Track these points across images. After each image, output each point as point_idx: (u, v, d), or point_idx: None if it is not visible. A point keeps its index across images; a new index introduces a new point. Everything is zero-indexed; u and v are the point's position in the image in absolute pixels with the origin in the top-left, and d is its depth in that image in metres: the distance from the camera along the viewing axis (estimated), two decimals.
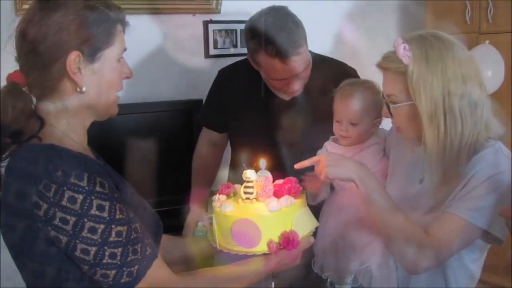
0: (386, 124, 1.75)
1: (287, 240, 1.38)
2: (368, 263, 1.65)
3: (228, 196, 1.50)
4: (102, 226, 1.17)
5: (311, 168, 1.66)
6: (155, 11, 2.84)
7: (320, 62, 2.18)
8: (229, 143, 2.39)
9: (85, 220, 1.16)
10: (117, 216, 1.19)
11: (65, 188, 1.15)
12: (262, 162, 1.49)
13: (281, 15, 2.05)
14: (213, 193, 1.55)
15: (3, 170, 1.25)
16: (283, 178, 1.51)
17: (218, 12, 3.02)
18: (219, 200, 1.47)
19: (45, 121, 1.27)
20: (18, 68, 1.29)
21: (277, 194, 1.45)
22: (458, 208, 1.48)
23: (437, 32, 1.56)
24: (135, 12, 2.73)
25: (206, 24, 3.00)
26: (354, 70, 2.21)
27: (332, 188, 1.85)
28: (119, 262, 1.19)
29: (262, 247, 1.39)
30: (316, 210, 1.67)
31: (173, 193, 2.56)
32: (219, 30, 3.03)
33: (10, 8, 2.44)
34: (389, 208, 1.53)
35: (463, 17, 3.36)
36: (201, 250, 1.60)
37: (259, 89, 2.16)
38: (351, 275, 1.74)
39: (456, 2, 3.40)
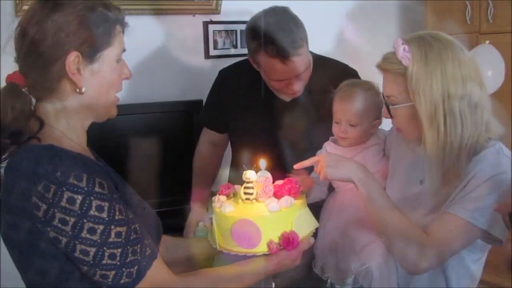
0: (387, 124, 1.75)
1: (287, 241, 1.38)
2: (368, 264, 1.64)
3: (228, 196, 1.50)
4: (101, 227, 1.17)
5: (311, 168, 1.66)
6: (155, 12, 2.84)
7: (321, 63, 2.18)
8: (229, 143, 2.39)
9: (85, 220, 1.16)
10: (116, 217, 1.19)
11: (64, 188, 1.15)
12: (262, 162, 1.49)
13: (282, 15, 2.05)
14: (213, 194, 1.55)
15: (2, 171, 1.25)
16: (283, 178, 1.51)
17: (218, 13, 3.02)
18: (219, 200, 1.47)
19: (45, 121, 1.27)
20: (17, 69, 1.29)
21: (277, 194, 1.45)
22: (458, 208, 1.47)
23: (437, 33, 1.55)
24: (135, 13, 2.73)
25: (206, 24, 3.00)
26: (355, 71, 2.20)
27: (332, 189, 1.85)
28: (118, 263, 1.19)
29: (262, 248, 1.39)
30: (316, 210, 1.67)
31: (173, 194, 2.57)
32: (219, 31, 3.03)
33: (10, 9, 2.44)
34: (389, 209, 1.53)
35: (463, 17, 3.36)
36: (202, 250, 1.60)
37: (260, 90, 2.15)
38: (351, 276, 1.74)
39: (456, 2, 3.40)
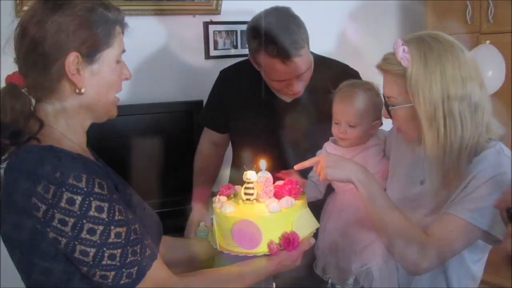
0: (388, 125, 1.75)
1: (288, 241, 1.38)
2: (369, 264, 1.64)
3: (228, 197, 1.50)
4: (101, 227, 1.17)
5: (311, 169, 1.66)
6: (155, 13, 2.83)
7: (322, 63, 2.17)
8: (230, 143, 2.39)
9: (84, 221, 1.16)
10: (116, 217, 1.19)
11: (63, 189, 1.15)
12: (263, 163, 1.49)
13: (283, 15, 2.05)
14: (214, 194, 1.55)
15: (2, 171, 1.25)
16: (284, 179, 1.51)
17: (218, 13, 3.02)
18: (219, 201, 1.47)
19: (44, 122, 1.27)
20: (17, 69, 1.29)
21: (278, 195, 1.45)
22: (458, 209, 1.47)
23: (437, 33, 1.55)
24: (135, 13, 2.73)
25: (206, 25, 3.00)
26: (357, 72, 2.19)
27: (332, 189, 1.85)
28: (118, 263, 1.19)
29: (262, 248, 1.39)
30: (317, 211, 1.66)
31: (174, 194, 2.57)
32: (220, 31, 3.03)
33: (10, 9, 2.44)
34: (389, 210, 1.53)
35: (464, 17, 3.35)
36: (202, 251, 1.60)
37: (260, 90, 2.15)
38: (352, 277, 1.73)
39: (457, 2, 3.39)
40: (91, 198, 1.17)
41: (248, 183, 1.44)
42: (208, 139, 2.38)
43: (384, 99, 1.60)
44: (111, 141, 2.47)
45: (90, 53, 1.25)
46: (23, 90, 1.27)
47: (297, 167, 1.62)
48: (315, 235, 1.50)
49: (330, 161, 1.55)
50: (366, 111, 1.76)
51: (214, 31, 3.01)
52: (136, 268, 1.21)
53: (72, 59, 1.23)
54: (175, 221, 2.34)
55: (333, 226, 1.77)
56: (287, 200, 1.42)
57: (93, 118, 1.34)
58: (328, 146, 1.87)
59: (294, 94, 2.11)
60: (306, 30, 2.05)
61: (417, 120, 1.49)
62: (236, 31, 3.06)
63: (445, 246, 1.48)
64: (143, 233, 1.26)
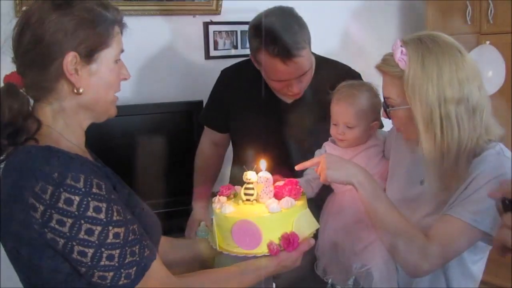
0: (388, 125, 1.74)
1: (287, 242, 1.38)
2: (369, 265, 1.64)
3: (228, 197, 1.50)
4: (99, 228, 1.17)
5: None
6: (155, 13, 2.83)
7: (323, 64, 2.17)
8: (231, 142, 2.39)
9: (82, 222, 1.16)
10: (114, 218, 1.19)
11: (61, 190, 1.14)
12: (262, 163, 1.49)
13: (286, 15, 2.04)
14: (214, 195, 1.54)
15: (0, 172, 1.25)
16: (284, 179, 1.51)
17: (219, 13, 3.02)
18: (219, 201, 1.47)
19: (42, 122, 1.26)
20: (15, 69, 1.28)
21: (278, 195, 1.44)
22: (459, 210, 1.46)
23: (436, 34, 1.54)
24: (135, 13, 2.73)
25: (206, 25, 3.00)
26: (358, 73, 2.17)
27: (332, 190, 1.84)
28: (116, 264, 1.19)
29: (262, 249, 1.39)
30: (317, 211, 1.66)
31: (174, 195, 2.57)
32: (220, 31, 3.03)
33: (9, 9, 2.43)
34: (389, 212, 1.52)
35: (464, 18, 3.35)
36: (201, 251, 1.60)
37: (261, 90, 2.15)
38: (352, 277, 1.73)
39: (457, 3, 3.39)
40: (89, 199, 1.16)
41: (248, 183, 1.44)
42: (208, 139, 2.38)
43: (384, 99, 1.59)
44: (111, 141, 2.47)
45: (88, 53, 1.25)
46: (21, 90, 1.27)
47: (297, 167, 1.62)
48: (315, 235, 1.50)
49: (331, 162, 1.55)
50: (364, 112, 1.76)
51: (214, 31, 3.01)
52: (134, 268, 1.21)
53: (70, 59, 1.23)
54: (175, 221, 2.35)
55: (333, 226, 1.77)
56: (287, 200, 1.41)
57: (92, 118, 1.34)
58: (327, 146, 1.86)
59: (294, 95, 2.11)
60: (309, 32, 2.05)
61: (414, 121, 1.49)
62: (236, 31, 3.06)
63: (446, 248, 1.47)
64: (142, 233, 1.25)
